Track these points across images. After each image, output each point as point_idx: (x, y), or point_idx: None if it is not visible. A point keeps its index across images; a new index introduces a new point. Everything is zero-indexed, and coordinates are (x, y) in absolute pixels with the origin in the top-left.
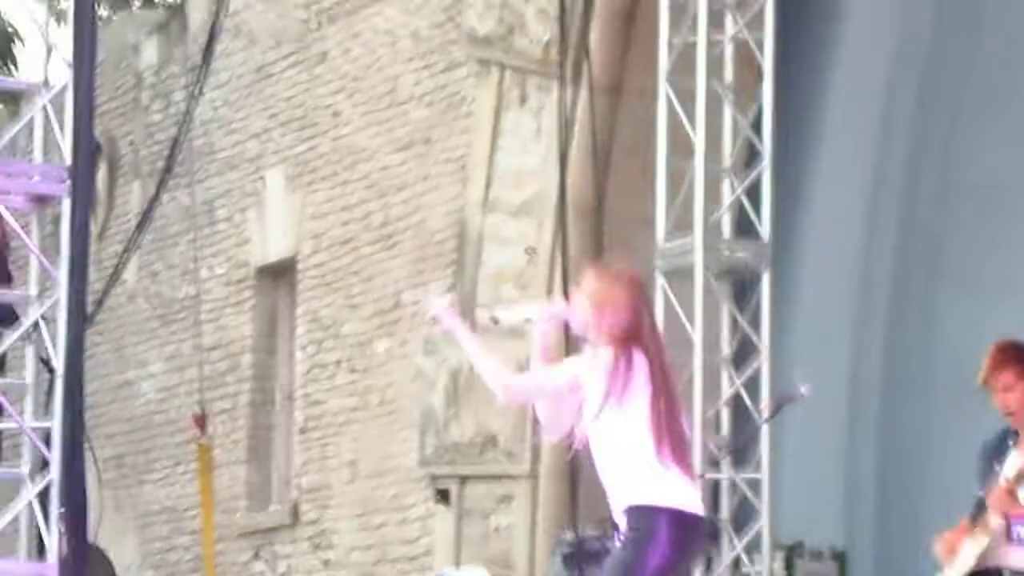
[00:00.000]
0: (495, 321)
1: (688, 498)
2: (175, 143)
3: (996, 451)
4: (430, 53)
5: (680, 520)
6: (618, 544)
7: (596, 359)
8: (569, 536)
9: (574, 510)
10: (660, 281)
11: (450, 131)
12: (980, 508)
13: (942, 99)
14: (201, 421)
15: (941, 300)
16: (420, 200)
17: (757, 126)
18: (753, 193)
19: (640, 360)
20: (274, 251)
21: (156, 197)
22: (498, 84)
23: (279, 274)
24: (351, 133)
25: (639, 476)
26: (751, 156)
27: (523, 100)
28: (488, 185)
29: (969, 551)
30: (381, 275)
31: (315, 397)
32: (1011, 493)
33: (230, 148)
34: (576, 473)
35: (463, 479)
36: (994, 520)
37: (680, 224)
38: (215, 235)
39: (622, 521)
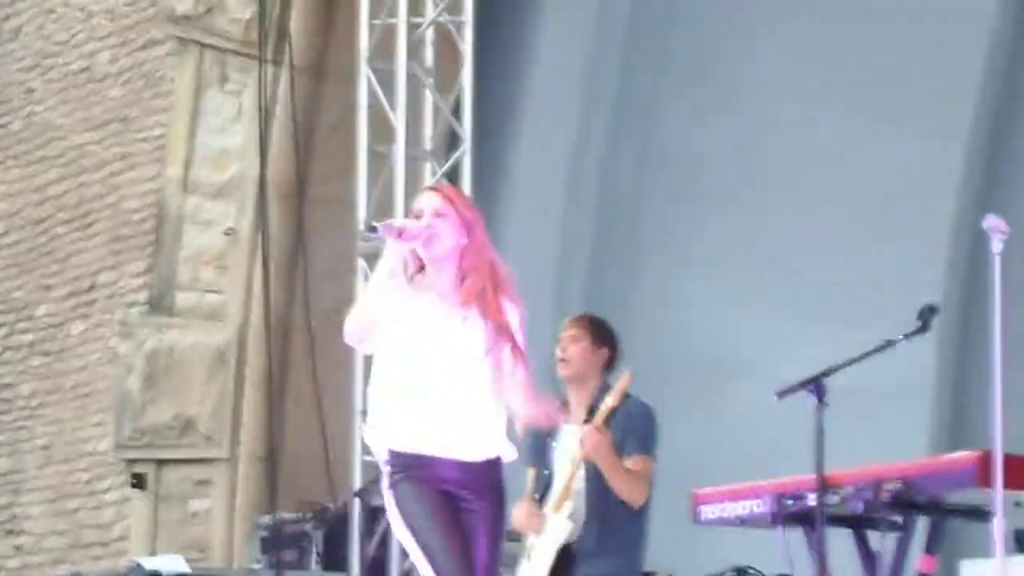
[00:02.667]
0: (372, 230)
1: None
2: None
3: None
4: (127, 30)
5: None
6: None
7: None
8: (267, 520)
9: (273, 494)
10: (360, 264)
11: (148, 110)
12: (547, 487)
13: (641, 77)
14: None
15: (640, 280)
16: (117, 180)
17: (458, 109)
18: (454, 176)
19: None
20: None
21: None
22: (197, 63)
23: None
24: (45, 111)
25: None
26: (452, 139)
27: (223, 80)
28: (187, 166)
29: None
30: (76, 256)
31: (7, 380)
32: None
33: None
34: (275, 457)
35: (160, 463)
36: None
37: (382, 207)
38: None
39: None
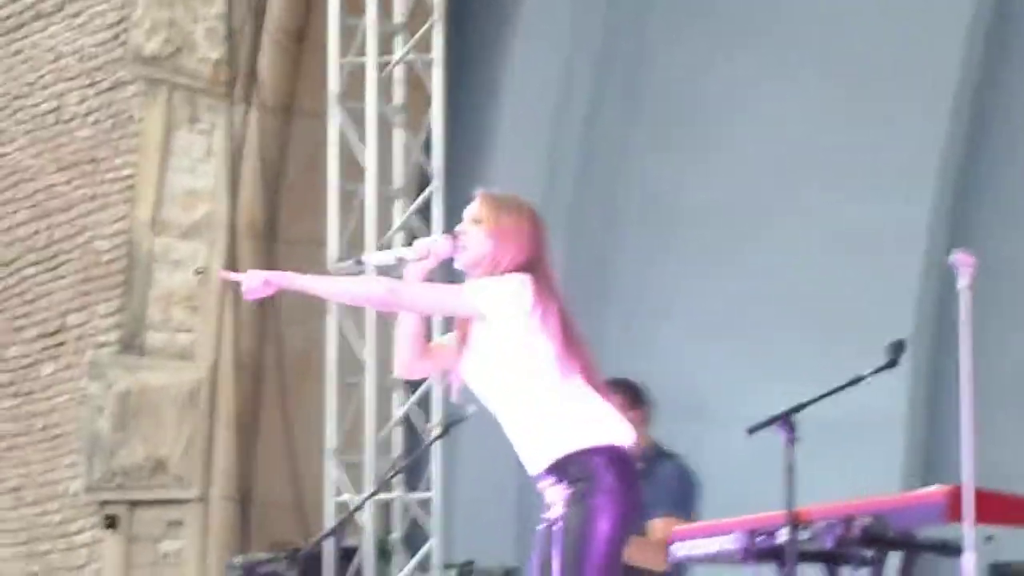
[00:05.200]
0: (359, 263)
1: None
2: None
3: None
4: (95, 71)
5: (621, 458)
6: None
7: (504, 283)
8: (239, 561)
9: (245, 535)
10: (331, 303)
11: (117, 150)
12: None
13: (609, 128)
14: None
15: (608, 327)
16: (86, 220)
17: (428, 148)
18: (424, 214)
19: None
20: None
21: None
22: (167, 103)
23: None
24: (14, 152)
25: (561, 418)
26: (423, 179)
27: (193, 120)
28: (157, 206)
29: None
30: (46, 297)
31: None
32: None
33: None
34: (248, 497)
35: (132, 504)
36: None
37: (353, 246)
38: None
39: (551, 487)
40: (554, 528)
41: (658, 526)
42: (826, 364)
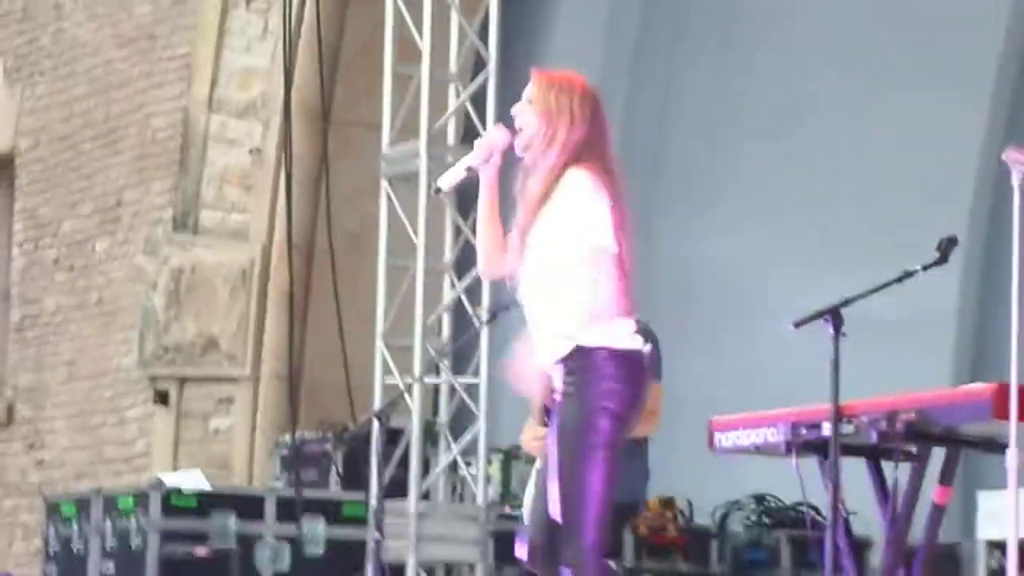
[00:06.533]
0: (438, 191)
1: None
2: None
3: None
4: None
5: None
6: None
7: (575, 183)
8: (287, 439)
9: (294, 414)
10: (384, 185)
11: (174, 28)
12: None
13: (665, 12)
14: None
15: (663, 223)
16: (143, 97)
17: (484, 33)
18: (479, 101)
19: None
20: None
21: None
22: None
23: None
24: (73, 27)
25: (588, 314)
26: (478, 63)
27: (250, 0)
28: (213, 85)
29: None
30: (102, 172)
31: (31, 295)
32: None
33: None
34: (297, 377)
35: (183, 381)
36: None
37: (406, 129)
38: None
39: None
40: (553, 417)
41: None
42: (879, 258)
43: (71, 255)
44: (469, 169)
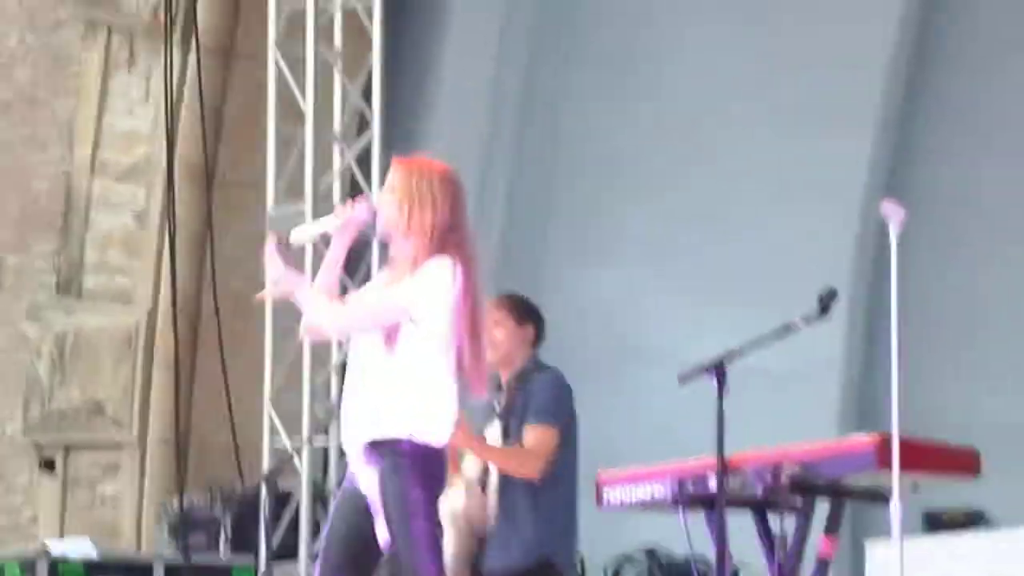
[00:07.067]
0: (284, 242)
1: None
2: None
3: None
4: (35, 12)
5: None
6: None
7: (424, 274)
8: (175, 504)
9: (181, 478)
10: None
11: (56, 91)
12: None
13: (550, 68)
14: None
15: (547, 270)
16: (24, 161)
17: (368, 92)
18: (364, 160)
19: (459, 270)
20: None
21: None
22: (105, 45)
23: None
24: None
25: (406, 403)
26: (362, 122)
27: (132, 63)
28: (96, 147)
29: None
30: None
31: None
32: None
33: None
34: (184, 441)
35: (69, 447)
36: (470, 466)
37: (291, 190)
38: None
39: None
40: (370, 500)
41: (529, 434)
42: (765, 305)
43: None
44: (324, 234)
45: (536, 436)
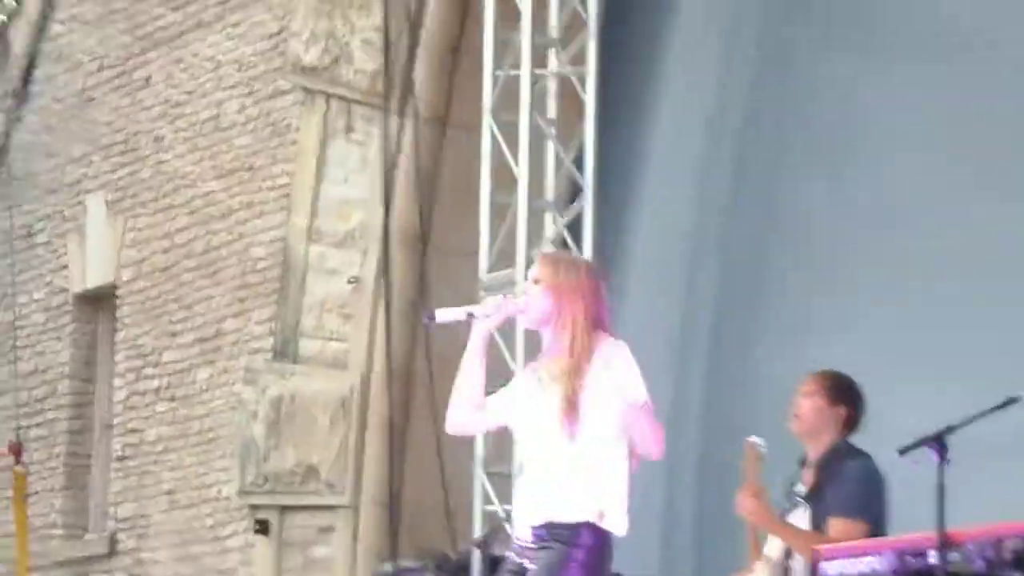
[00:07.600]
0: (430, 319)
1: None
2: None
3: (791, 483)
4: (254, 80)
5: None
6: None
7: (622, 361)
8: (388, 568)
9: (394, 542)
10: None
11: (274, 159)
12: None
13: (765, 134)
14: (16, 449)
15: (762, 341)
16: (243, 228)
17: (580, 161)
18: (575, 227)
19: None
20: (93, 277)
21: None
22: (323, 113)
23: (99, 301)
24: (173, 159)
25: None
26: (574, 191)
27: (348, 130)
28: (312, 214)
29: None
30: (202, 303)
31: (133, 425)
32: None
33: (49, 172)
34: (397, 504)
35: (283, 509)
36: (773, 548)
37: (503, 256)
38: (33, 260)
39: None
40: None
41: (838, 526)
42: (984, 382)
43: (172, 385)
44: (470, 315)
45: (845, 530)
